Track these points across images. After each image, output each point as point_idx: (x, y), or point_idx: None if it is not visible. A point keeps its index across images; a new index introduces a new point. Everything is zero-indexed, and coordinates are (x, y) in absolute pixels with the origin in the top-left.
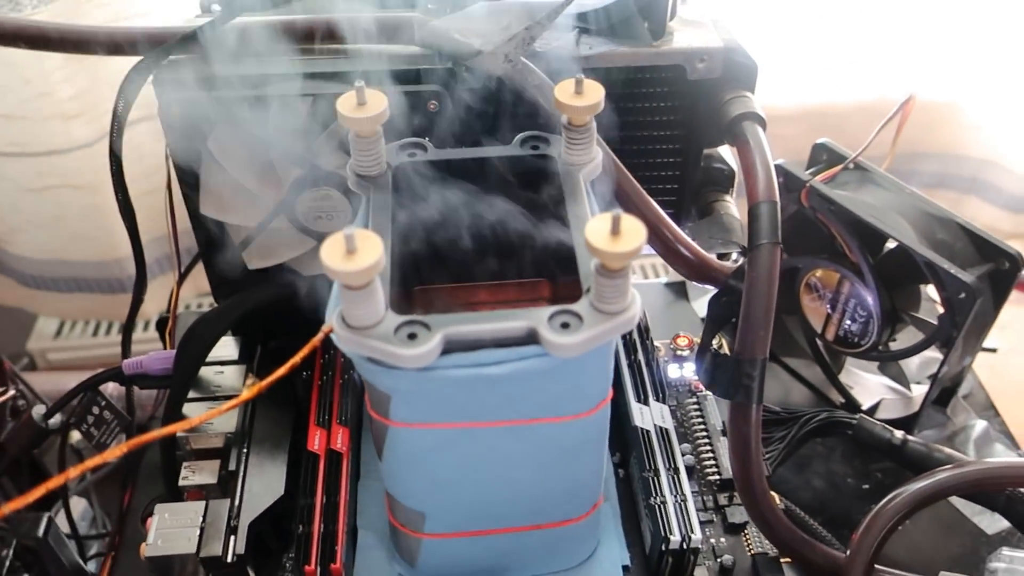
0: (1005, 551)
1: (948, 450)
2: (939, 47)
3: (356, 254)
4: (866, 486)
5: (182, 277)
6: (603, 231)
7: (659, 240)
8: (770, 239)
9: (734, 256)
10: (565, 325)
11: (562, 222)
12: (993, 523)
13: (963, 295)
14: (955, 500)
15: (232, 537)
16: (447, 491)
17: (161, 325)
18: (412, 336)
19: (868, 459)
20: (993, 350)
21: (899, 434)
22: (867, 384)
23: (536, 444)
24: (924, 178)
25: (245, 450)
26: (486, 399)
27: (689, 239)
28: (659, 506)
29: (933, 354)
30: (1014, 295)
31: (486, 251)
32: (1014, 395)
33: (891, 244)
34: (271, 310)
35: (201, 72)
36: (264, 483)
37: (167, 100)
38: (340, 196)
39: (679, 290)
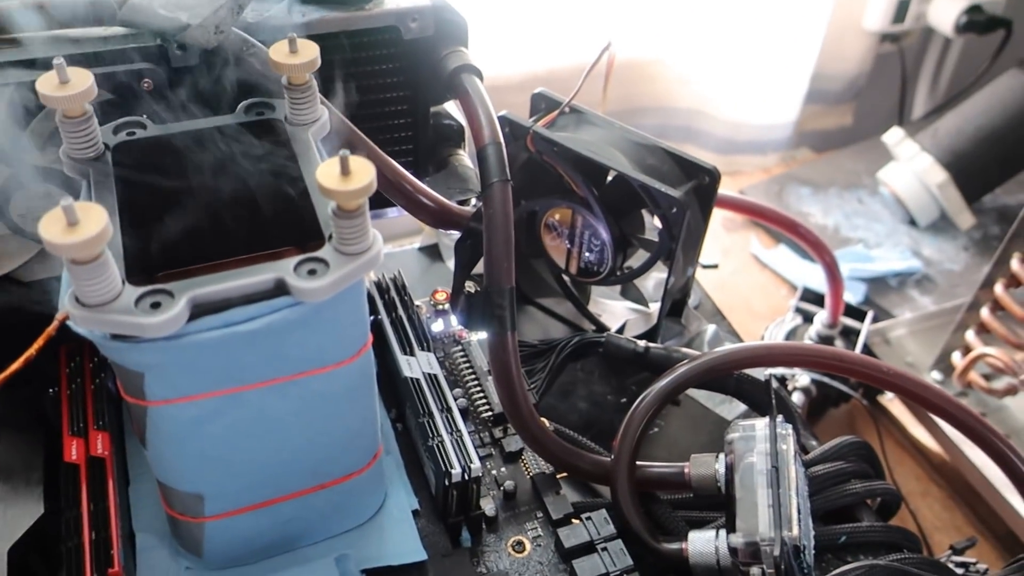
0: (738, 422)
1: (684, 349)
2: (642, 8)
3: (79, 226)
4: (624, 399)
5: None
6: (333, 173)
7: (400, 193)
8: (500, 177)
9: (473, 202)
10: (312, 272)
11: (296, 185)
12: (732, 410)
13: (675, 209)
14: (699, 396)
15: None
16: (221, 465)
17: None
18: (156, 305)
19: (623, 376)
20: (715, 266)
21: (642, 343)
22: (613, 309)
23: (304, 400)
24: (644, 130)
25: None
26: (244, 359)
27: (428, 188)
28: (437, 446)
29: (664, 275)
30: (733, 224)
31: (227, 225)
32: (738, 306)
33: (611, 176)
34: None
35: None
36: (19, 507)
37: None
38: (61, 192)
39: (433, 252)
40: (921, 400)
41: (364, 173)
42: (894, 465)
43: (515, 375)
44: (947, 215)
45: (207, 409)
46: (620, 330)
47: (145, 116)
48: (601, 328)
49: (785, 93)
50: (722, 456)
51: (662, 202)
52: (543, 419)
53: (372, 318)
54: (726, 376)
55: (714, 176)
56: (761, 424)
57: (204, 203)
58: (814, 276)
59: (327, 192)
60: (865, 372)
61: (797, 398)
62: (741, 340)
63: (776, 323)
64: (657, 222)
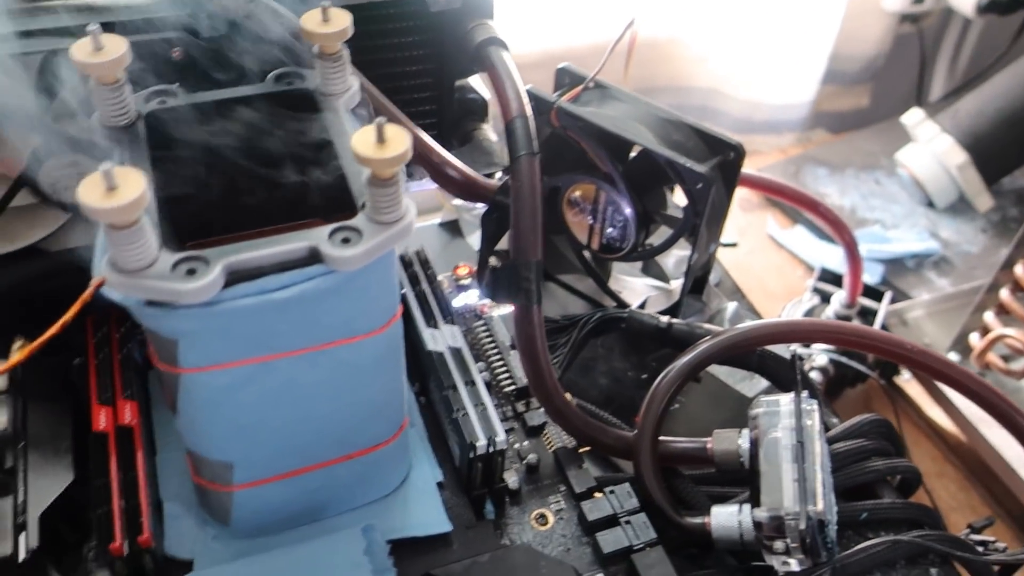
0: (762, 398)
1: (707, 325)
2: None
3: (118, 190)
4: (644, 376)
5: None
6: (369, 141)
7: (427, 163)
8: (527, 150)
9: (497, 175)
10: (346, 240)
11: (327, 156)
12: (753, 387)
13: (700, 185)
14: (719, 373)
15: (23, 533)
16: (251, 434)
17: None
18: (192, 272)
19: (644, 352)
20: (733, 244)
21: (664, 319)
22: (634, 286)
23: (334, 369)
24: None
25: (22, 444)
26: (277, 327)
27: (456, 160)
28: (462, 418)
29: (685, 252)
30: (750, 204)
31: (258, 195)
32: (753, 286)
33: (635, 152)
34: (22, 295)
35: None
36: (50, 473)
37: None
38: (90, 162)
39: (453, 228)
40: (943, 377)
41: (400, 141)
42: (910, 445)
43: (540, 348)
44: (965, 197)
45: (239, 377)
46: (641, 307)
47: (176, 84)
48: (622, 305)
49: (802, 73)
50: (745, 431)
51: (688, 178)
52: (567, 394)
53: None
54: (749, 352)
55: (739, 152)
56: (786, 399)
57: (235, 172)
58: (831, 256)
59: (363, 160)
60: (887, 349)
61: (814, 377)
62: (761, 318)
63: (793, 303)
64: (680, 198)
